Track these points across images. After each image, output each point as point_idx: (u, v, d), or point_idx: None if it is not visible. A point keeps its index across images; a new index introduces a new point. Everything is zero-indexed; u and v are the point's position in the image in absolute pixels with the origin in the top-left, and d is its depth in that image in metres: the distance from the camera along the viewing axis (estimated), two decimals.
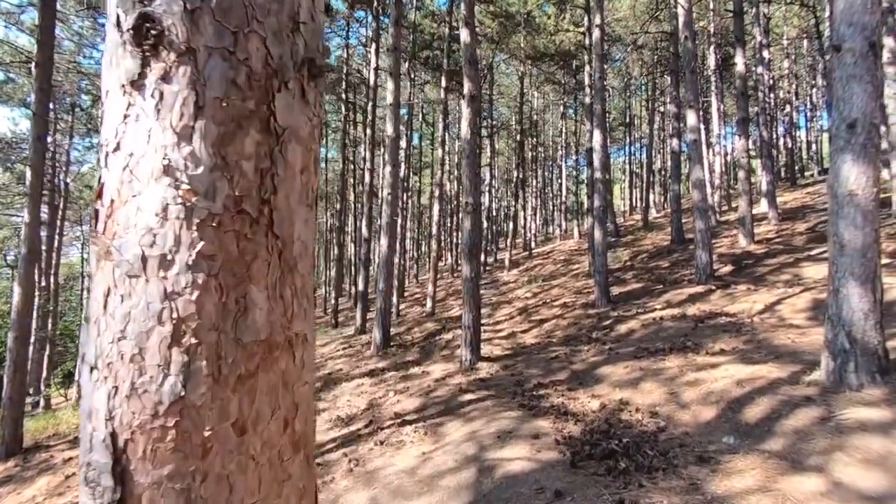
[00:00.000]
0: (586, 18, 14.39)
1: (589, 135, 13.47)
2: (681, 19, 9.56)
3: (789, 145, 24.49)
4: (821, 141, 32.63)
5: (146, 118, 0.69)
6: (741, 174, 11.62)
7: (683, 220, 13.93)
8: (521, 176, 25.03)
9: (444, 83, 14.38)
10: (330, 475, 4.17)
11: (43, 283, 18.93)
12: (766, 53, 15.52)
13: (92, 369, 0.71)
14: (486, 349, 7.74)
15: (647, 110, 25.57)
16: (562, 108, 30.46)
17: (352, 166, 21.68)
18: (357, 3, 15.89)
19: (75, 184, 26.41)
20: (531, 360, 6.63)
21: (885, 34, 8.90)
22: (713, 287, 8.12)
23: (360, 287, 13.03)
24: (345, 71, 18.10)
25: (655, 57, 21.28)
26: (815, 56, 27.66)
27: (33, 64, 7.62)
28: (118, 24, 0.70)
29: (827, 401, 3.41)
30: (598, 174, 9.25)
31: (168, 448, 0.67)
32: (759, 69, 16.14)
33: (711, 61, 20.45)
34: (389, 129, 9.88)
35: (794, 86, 28.48)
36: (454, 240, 30.30)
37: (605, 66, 22.90)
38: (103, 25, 12.95)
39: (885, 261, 5.31)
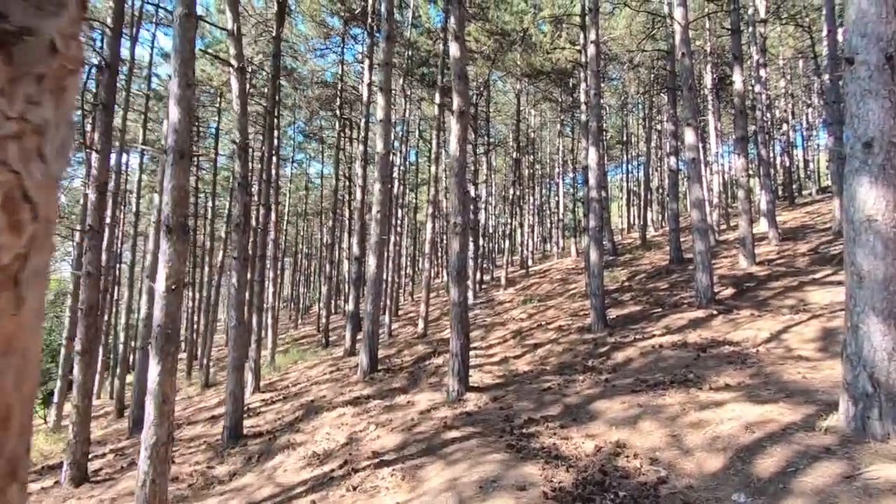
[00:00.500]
0: (582, 36, 14.25)
1: (585, 152, 13.24)
2: (677, 36, 9.37)
3: (787, 164, 24.36)
4: (818, 160, 32.61)
5: None
6: (741, 193, 11.34)
7: (682, 239, 13.62)
8: (517, 193, 24.81)
9: (438, 99, 14.19)
10: None
11: None
12: (762, 72, 15.39)
13: None
14: (476, 377, 7.32)
15: (644, 129, 25.49)
16: (559, 125, 30.43)
17: (347, 182, 21.44)
18: (352, 19, 15.79)
19: (66, 199, 26.11)
20: (523, 391, 6.22)
21: None
22: (714, 312, 7.75)
23: (351, 307, 12.63)
24: (340, 87, 17.97)
25: (652, 75, 21.22)
26: (811, 76, 27.77)
27: None
28: None
29: (849, 453, 3.02)
30: (593, 193, 8.94)
31: None
32: (757, 87, 16.01)
33: (708, 80, 20.41)
34: (380, 146, 9.59)
35: (790, 105, 28.52)
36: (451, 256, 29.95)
37: (602, 85, 22.91)
38: None
39: None
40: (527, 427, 4.91)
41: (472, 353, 9.44)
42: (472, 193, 21.64)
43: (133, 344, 17.44)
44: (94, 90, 9.29)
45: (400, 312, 21.07)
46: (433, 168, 16.33)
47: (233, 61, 7.48)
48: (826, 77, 12.75)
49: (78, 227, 11.40)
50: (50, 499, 6.15)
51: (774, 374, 4.83)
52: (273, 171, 18.28)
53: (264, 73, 15.94)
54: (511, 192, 22.63)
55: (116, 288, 22.29)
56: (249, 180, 7.77)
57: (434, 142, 16.45)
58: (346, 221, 23.37)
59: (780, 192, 25.26)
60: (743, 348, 5.95)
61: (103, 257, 8.40)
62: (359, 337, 12.55)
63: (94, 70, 8.79)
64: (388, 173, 9.65)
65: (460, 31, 6.83)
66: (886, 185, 3.19)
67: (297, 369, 13.18)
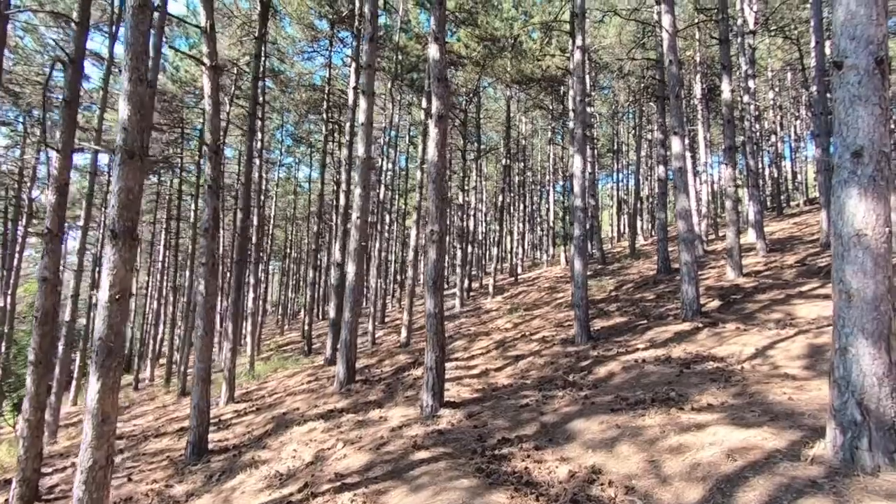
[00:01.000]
0: (571, 42, 14.13)
1: (571, 159, 13.05)
2: (665, 44, 9.22)
3: (775, 175, 24.41)
4: (805, 171, 32.85)
5: None
6: (728, 203, 11.21)
7: (670, 249, 13.47)
8: (506, 200, 24.63)
9: (424, 104, 13.98)
10: None
11: None
12: (751, 83, 15.36)
13: None
14: (453, 391, 7.04)
15: (634, 137, 25.47)
16: (550, 133, 30.37)
17: (335, 187, 21.14)
18: (338, 22, 15.57)
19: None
20: (500, 407, 5.95)
21: None
22: (700, 325, 7.54)
23: (332, 314, 12.30)
24: (327, 90, 17.72)
25: (642, 84, 21.20)
26: (799, 88, 27.99)
27: None
28: None
29: (836, 487, 2.78)
30: (577, 201, 8.72)
31: None
32: (746, 98, 15.97)
33: (697, 90, 20.41)
34: (361, 150, 9.33)
35: (778, 117, 28.68)
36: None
37: (593, 94, 22.86)
38: None
39: None
40: (500, 448, 4.64)
41: (453, 364, 9.16)
42: (461, 200, 21.43)
43: None
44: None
45: (387, 319, 20.75)
46: (420, 174, 16.11)
47: (205, 59, 7.20)
48: (814, 88, 12.70)
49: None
50: None
51: (759, 393, 4.61)
52: (256, 174, 17.98)
53: (250, 76, 15.65)
54: (500, 198, 22.44)
55: (96, 291, 21.74)
56: (220, 183, 7.47)
57: (421, 147, 16.24)
58: (334, 227, 23.09)
59: (768, 203, 25.31)
60: (727, 364, 5.73)
61: (75, 260, 8.04)
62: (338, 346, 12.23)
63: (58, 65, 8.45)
64: (368, 178, 9.38)
65: (440, 33, 6.61)
66: (877, 198, 2.98)
67: (277, 378, 12.81)
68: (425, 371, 6.13)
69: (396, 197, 27.03)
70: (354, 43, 13.94)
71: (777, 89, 27.84)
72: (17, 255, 17.26)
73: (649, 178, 29.84)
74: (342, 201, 13.53)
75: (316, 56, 19.32)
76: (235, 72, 16.62)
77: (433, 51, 6.60)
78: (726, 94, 11.38)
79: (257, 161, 17.33)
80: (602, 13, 17.37)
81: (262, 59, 13.22)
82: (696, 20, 16.82)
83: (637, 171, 21.85)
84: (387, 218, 26.39)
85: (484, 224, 35.75)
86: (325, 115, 17.56)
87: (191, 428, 6.74)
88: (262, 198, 27.60)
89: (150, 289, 27.98)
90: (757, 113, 21.30)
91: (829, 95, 11.73)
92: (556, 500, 3.48)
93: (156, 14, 11.77)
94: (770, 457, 3.29)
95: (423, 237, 20.57)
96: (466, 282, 21.95)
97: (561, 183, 30.53)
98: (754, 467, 3.21)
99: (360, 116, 9.39)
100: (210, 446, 6.95)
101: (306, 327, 16.57)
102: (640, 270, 15.08)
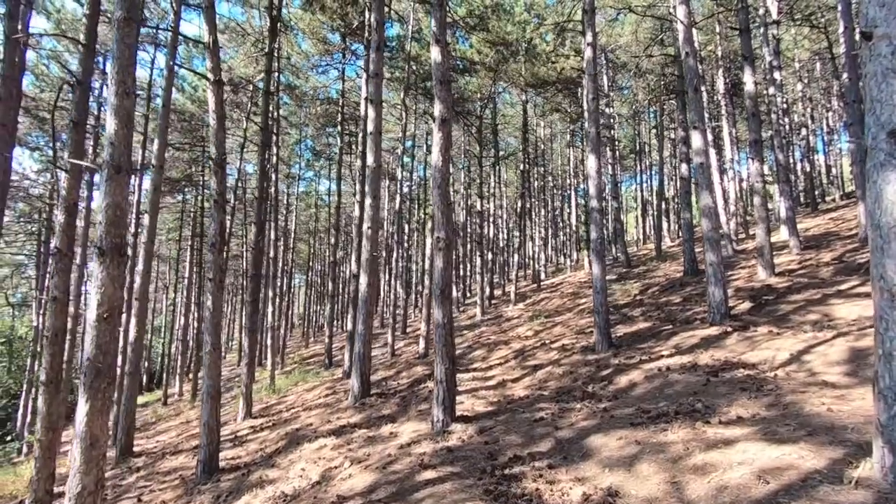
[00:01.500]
0: (583, 41, 13.81)
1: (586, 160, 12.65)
2: (680, 36, 8.84)
3: (808, 170, 23.38)
4: (840, 165, 31.38)
5: None
6: (757, 200, 10.65)
7: (696, 250, 12.89)
8: (526, 205, 24.28)
9: (433, 110, 13.82)
10: None
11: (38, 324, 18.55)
12: (777, 75, 14.68)
13: None
14: (467, 403, 6.76)
15: (656, 137, 24.80)
16: (569, 136, 29.91)
17: (353, 198, 21.20)
18: (350, 34, 15.63)
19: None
20: (514, 421, 5.64)
21: None
22: (729, 329, 7.07)
23: (350, 326, 12.18)
24: (341, 103, 17.80)
25: (662, 82, 20.63)
26: (829, 78, 26.80)
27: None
28: None
29: None
30: (593, 202, 8.37)
31: None
32: (771, 90, 15.29)
33: (721, 84, 19.73)
34: (370, 159, 9.21)
35: (808, 109, 27.56)
36: (460, 272, 29.40)
37: (612, 94, 22.38)
38: None
39: None
40: (511, 467, 4.34)
41: (469, 375, 8.88)
42: (479, 207, 21.18)
43: (124, 368, 17.21)
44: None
45: (408, 329, 20.55)
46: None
47: (209, 74, 7.20)
48: (845, 76, 12.01)
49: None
50: None
51: (795, 404, 4.19)
52: (273, 189, 18.14)
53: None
54: (521, 204, 22.10)
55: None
56: (226, 198, 7.43)
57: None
58: (353, 238, 23.14)
59: (801, 199, 24.24)
60: (759, 371, 5.29)
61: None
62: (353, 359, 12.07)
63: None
64: (378, 187, 9.24)
65: (441, 35, 6.44)
66: None
67: (296, 391, 12.74)
68: (435, 384, 5.88)
69: (416, 207, 26.97)
70: (366, 54, 13.95)
71: (806, 81, 26.76)
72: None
73: (674, 178, 29.04)
74: (356, 212, 13.46)
75: (330, 69, 19.50)
76: (251, 89, 16.85)
77: (435, 53, 6.43)
78: (749, 87, 10.87)
79: (273, 176, 17.48)
80: (616, 10, 16.95)
81: (275, 73, 13.34)
82: (715, 11, 16.26)
83: (661, 170, 21.20)
84: (406, 228, 26.32)
85: (506, 230, 35.38)
86: (339, 128, 17.61)
87: (201, 447, 6.64)
88: (285, 212, 28.02)
89: (178, 305, 28.59)
90: (785, 106, 20.45)
91: (860, 84, 11.07)
92: None
93: (168, 34, 12.04)
94: (807, 479, 2.92)
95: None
96: (488, 289, 21.63)
97: (583, 186, 29.98)
98: (789, 491, 2.85)
99: (369, 126, 9.28)
100: (222, 464, 6.84)
101: (327, 339, 16.53)
102: (666, 273, 14.51)
